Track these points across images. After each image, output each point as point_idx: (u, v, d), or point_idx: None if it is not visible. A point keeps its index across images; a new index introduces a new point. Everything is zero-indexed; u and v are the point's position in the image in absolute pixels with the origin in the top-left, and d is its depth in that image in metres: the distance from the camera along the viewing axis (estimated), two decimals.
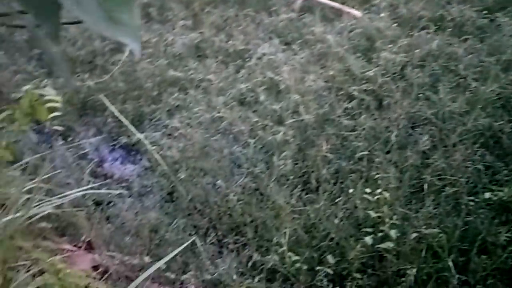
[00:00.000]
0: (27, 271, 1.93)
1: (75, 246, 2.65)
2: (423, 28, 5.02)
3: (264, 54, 4.88)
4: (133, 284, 1.93)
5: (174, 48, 5.05)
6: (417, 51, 4.64)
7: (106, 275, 2.44)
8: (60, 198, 2.28)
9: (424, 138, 3.74)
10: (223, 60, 4.99)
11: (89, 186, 3.54)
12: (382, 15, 5.14)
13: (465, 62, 4.48)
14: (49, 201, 2.19)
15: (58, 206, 2.53)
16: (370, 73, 4.40)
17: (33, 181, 2.22)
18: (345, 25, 5.17)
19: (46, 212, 2.06)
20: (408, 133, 3.90)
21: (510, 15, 4.99)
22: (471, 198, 3.30)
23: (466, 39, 4.82)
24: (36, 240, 2.15)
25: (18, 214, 1.88)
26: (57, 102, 2.14)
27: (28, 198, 2.06)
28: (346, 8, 4.87)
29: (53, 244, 2.32)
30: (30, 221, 2.14)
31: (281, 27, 5.30)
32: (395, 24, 5.01)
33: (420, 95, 4.20)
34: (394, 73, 4.50)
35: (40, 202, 2.19)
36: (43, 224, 2.33)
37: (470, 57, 4.52)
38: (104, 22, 0.45)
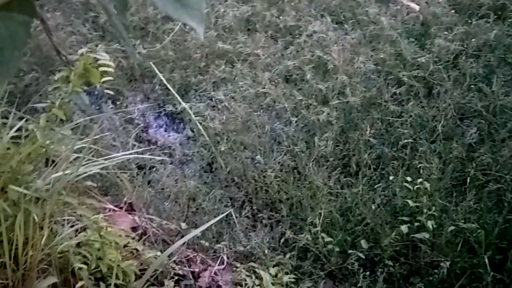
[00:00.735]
0: (71, 226, 2.04)
1: (116, 206, 2.76)
2: (482, 17, 4.81)
3: (314, 32, 4.81)
4: (170, 248, 2.00)
5: (225, 20, 5.04)
6: (473, 40, 4.47)
7: (144, 237, 2.54)
8: (106, 160, 2.37)
9: (471, 130, 3.64)
10: (273, 35, 4.96)
11: (134, 150, 3.66)
12: (440, 0, 4.96)
13: None
14: (96, 161, 2.28)
15: (104, 167, 2.63)
16: (422, 60, 4.28)
17: (83, 141, 2.31)
18: (400, 8, 5.02)
19: (92, 172, 2.15)
20: (455, 124, 3.80)
21: None
22: None
23: None
24: (81, 197, 2.25)
25: (67, 172, 1.98)
26: (110, 66, 2.21)
27: (77, 157, 2.15)
28: (404, 0, 4.67)
29: (97, 202, 2.43)
30: (77, 179, 2.24)
31: (334, 5, 5.20)
32: (453, 11, 4.82)
33: (472, 86, 4.06)
34: (447, 61, 4.36)
35: (88, 162, 2.28)
36: (89, 183, 2.43)
37: None
38: (171, 4, 0.47)
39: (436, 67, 4.23)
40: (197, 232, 2.40)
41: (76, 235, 2.04)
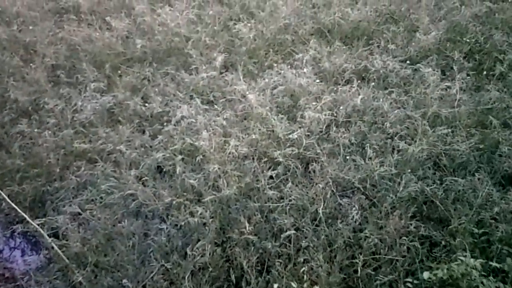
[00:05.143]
0: None
1: None
2: (347, 82, 4.68)
3: (183, 117, 4.31)
4: None
5: (83, 114, 4.39)
6: (341, 108, 4.27)
7: None
8: None
9: (353, 209, 3.29)
10: (139, 126, 4.40)
11: None
12: (305, 70, 4.76)
13: (392, 117, 4.14)
14: None
15: None
16: (295, 135, 3.95)
17: None
18: (269, 81, 4.73)
19: None
20: (336, 203, 3.44)
21: (433, 65, 4.76)
22: (409, 279, 2.86)
23: (391, 92, 4.51)
24: None
25: None
26: None
27: None
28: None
29: None
30: None
31: (202, 86, 4.78)
32: (319, 80, 4.63)
33: (347, 157, 3.79)
34: (320, 132, 4.10)
35: None
36: None
37: (396, 112, 4.19)
38: None
39: (310, 141, 3.93)
40: None
41: None
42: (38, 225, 3.55)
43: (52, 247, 3.36)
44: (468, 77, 4.57)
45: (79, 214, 3.52)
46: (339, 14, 5.39)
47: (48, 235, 3.52)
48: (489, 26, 5.21)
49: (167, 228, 3.29)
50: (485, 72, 4.74)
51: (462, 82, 4.46)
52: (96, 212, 3.52)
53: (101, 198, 3.64)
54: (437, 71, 4.59)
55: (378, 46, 5.09)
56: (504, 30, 5.15)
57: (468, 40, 5.04)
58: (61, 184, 3.86)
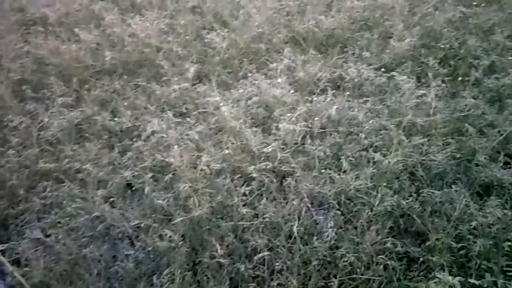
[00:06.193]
0: None
1: None
2: (322, 91, 4.55)
3: (154, 132, 4.13)
4: None
5: (50, 131, 4.19)
6: (316, 118, 4.13)
7: None
8: None
9: (329, 226, 3.16)
10: (107, 142, 4.21)
11: None
12: (279, 80, 4.62)
13: (367, 128, 4.02)
14: None
15: None
16: (269, 149, 3.81)
17: None
18: (243, 92, 4.58)
19: None
20: (312, 219, 3.31)
21: (408, 72, 4.66)
22: None
23: (366, 101, 4.40)
24: None
25: None
26: None
27: None
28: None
29: None
30: None
31: (174, 98, 4.61)
32: (293, 90, 4.49)
33: (323, 170, 3.65)
34: (296, 144, 3.95)
35: None
36: None
37: (371, 122, 4.07)
38: None
39: (284, 154, 3.78)
40: None
41: None
42: (0, 251, 3.36)
43: (14, 276, 3.17)
44: (444, 84, 4.48)
45: (44, 236, 3.32)
46: (313, 22, 5.27)
47: (13, 261, 3.34)
48: (463, 31, 5.14)
49: (134, 253, 3.10)
50: (460, 78, 4.66)
51: (438, 89, 4.36)
52: (61, 236, 3.32)
53: (67, 220, 3.44)
54: (412, 78, 4.49)
55: (353, 54, 4.98)
56: (478, 35, 5.08)
57: (442, 46, 4.96)
58: (26, 206, 3.66)
